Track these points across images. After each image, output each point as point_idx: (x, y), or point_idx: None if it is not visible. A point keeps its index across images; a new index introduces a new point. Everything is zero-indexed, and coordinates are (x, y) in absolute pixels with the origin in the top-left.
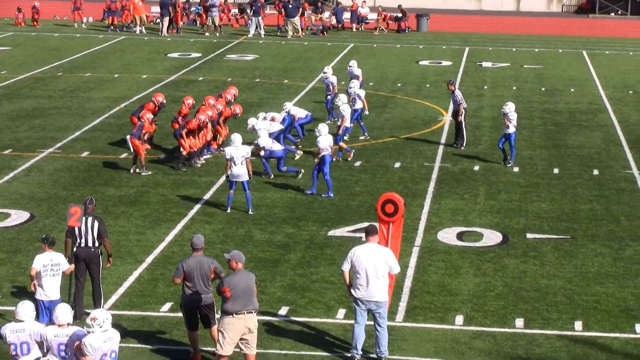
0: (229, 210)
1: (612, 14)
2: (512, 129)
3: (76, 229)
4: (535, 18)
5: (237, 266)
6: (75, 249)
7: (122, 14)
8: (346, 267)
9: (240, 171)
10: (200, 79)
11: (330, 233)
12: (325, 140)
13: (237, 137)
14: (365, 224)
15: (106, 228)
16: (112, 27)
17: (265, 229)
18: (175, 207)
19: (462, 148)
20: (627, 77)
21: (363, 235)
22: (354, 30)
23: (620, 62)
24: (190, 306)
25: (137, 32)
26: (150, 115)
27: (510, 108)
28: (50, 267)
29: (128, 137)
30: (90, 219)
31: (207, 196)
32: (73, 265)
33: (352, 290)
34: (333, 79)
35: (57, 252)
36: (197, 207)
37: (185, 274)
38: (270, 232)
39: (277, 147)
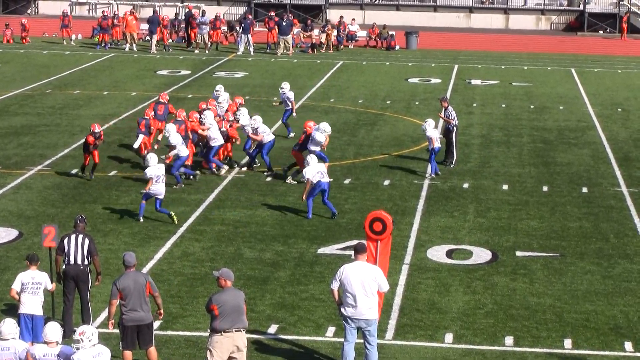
0: (141, 220)
1: (601, 32)
2: (436, 144)
3: (66, 246)
4: (524, 36)
5: (226, 284)
6: (64, 267)
7: (112, 31)
8: (335, 286)
9: (161, 189)
10: (190, 96)
11: (320, 251)
12: (311, 171)
13: (153, 157)
14: (354, 242)
15: (96, 246)
16: (101, 44)
17: (254, 246)
18: (165, 225)
19: (452, 166)
20: (616, 95)
21: (352, 253)
22: (345, 47)
23: (609, 79)
24: (127, 324)
25: (127, 49)
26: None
27: (429, 125)
28: (31, 285)
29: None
30: (80, 236)
31: (196, 214)
32: (54, 286)
33: (342, 309)
34: (290, 95)
35: (42, 270)
36: (186, 224)
37: (120, 293)
38: (260, 250)
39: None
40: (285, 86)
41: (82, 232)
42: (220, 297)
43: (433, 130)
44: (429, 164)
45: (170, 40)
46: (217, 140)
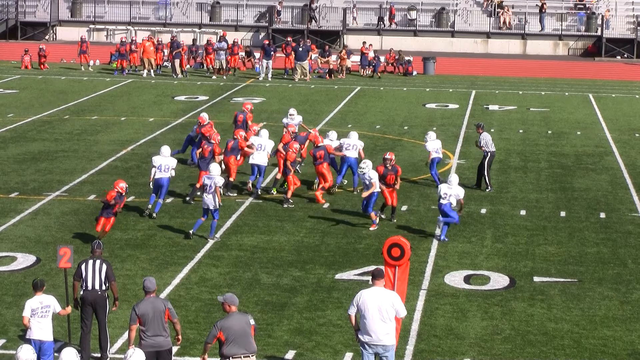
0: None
1: (618, 57)
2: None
3: (83, 271)
4: (541, 61)
5: (230, 309)
6: (82, 292)
7: (130, 57)
8: (352, 311)
9: (207, 201)
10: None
11: (338, 276)
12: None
13: (215, 167)
14: (372, 267)
15: (113, 271)
16: (119, 70)
17: (272, 272)
18: (182, 251)
19: (489, 190)
20: (633, 120)
21: (370, 278)
22: (363, 74)
23: (626, 105)
24: (146, 350)
25: (144, 75)
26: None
27: (430, 137)
28: (40, 310)
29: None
30: (98, 261)
31: (213, 240)
32: (69, 308)
33: (359, 334)
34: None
35: (48, 294)
36: (204, 250)
37: (139, 319)
38: (277, 276)
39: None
40: (294, 112)
41: (100, 257)
42: (226, 322)
43: (431, 143)
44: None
45: (188, 66)
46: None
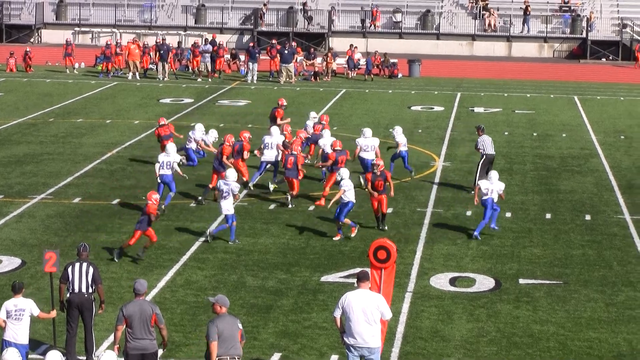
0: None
1: (603, 60)
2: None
3: (70, 274)
4: (527, 63)
5: (221, 310)
6: (68, 295)
7: (115, 60)
8: (338, 314)
9: (223, 206)
10: (193, 124)
11: (323, 279)
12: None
13: (232, 172)
14: (357, 270)
15: (100, 274)
16: (104, 73)
17: (257, 274)
18: (167, 253)
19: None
20: (618, 122)
21: (355, 281)
22: (349, 77)
23: (611, 107)
24: (132, 352)
25: (129, 77)
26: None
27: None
28: (14, 312)
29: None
30: (84, 264)
31: (199, 242)
32: (54, 312)
33: (345, 337)
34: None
35: (28, 297)
36: (190, 252)
37: (126, 320)
38: (263, 278)
39: None
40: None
41: (86, 260)
42: (220, 322)
43: (401, 136)
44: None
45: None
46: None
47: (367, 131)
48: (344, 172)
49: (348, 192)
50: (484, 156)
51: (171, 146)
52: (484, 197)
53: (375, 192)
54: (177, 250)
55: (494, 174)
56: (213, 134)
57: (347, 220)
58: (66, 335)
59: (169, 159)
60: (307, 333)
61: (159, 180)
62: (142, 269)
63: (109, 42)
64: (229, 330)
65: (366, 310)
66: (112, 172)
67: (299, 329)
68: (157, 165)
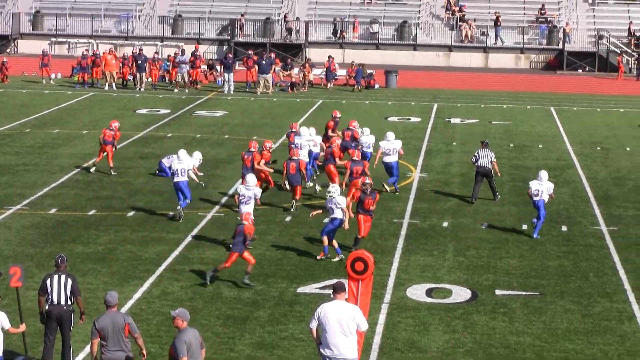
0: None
1: (580, 71)
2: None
3: (48, 286)
4: (503, 74)
5: (183, 324)
6: (47, 307)
7: (92, 71)
8: (314, 325)
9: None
10: (169, 135)
11: (300, 290)
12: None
13: (251, 177)
14: (334, 281)
15: (79, 286)
16: (81, 83)
17: (234, 285)
18: (144, 264)
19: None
20: (595, 134)
21: (331, 292)
22: (328, 87)
23: (588, 118)
24: None
25: (106, 88)
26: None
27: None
28: None
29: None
30: (63, 276)
31: (175, 253)
32: (23, 326)
33: (321, 348)
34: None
35: (2, 309)
36: (165, 264)
37: (99, 333)
38: (239, 289)
39: None
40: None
41: (64, 272)
42: (187, 337)
43: (368, 137)
44: None
45: (149, 79)
46: None
47: (390, 135)
48: (334, 189)
49: (336, 210)
50: (475, 167)
51: (183, 152)
52: (535, 199)
53: (364, 212)
54: (153, 261)
55: (543, 174)
56: (197, 157)
57: (334, 243)
58: (43, 346)
59: (183, 166)
60: (284, 344)
61: (175, 187)
62: (118, 280)
63: (85, 53)
64: (194, 343)
65: (342, 322)
66: (89, 183)
67: (276, 340)
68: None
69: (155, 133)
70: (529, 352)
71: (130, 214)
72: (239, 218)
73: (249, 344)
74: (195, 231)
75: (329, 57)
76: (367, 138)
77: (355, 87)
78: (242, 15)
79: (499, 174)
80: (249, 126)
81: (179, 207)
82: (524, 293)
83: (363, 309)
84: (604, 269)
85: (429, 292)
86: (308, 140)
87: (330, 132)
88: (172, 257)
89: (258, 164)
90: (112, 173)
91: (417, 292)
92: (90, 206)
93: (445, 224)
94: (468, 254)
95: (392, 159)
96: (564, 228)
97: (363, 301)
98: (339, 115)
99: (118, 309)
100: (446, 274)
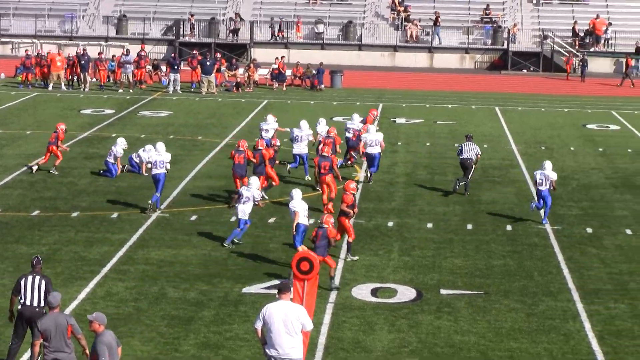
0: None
1: (524, 71)
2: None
3: (22, 287)
4: (448, 74)
5: (100, 328)
6: (19, 307)
7: (36, 71)
8: (259, 325)
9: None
10: (114, 135)
11: (245, 290)
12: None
13: (160, 145)
14: (279, 281)
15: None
16: (24, 84)
17: (178, 286)
18: (88, 265)
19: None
20: (539, 133)
21: (277, 292)
22: (279, 88)
23: (532, 118)
24: None
25: (50, 88)
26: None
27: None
28: None
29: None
30: (37, 278)
31: (120, 253)
32: None
33: (266, 348)
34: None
35: None
36: (110, 264)
37: (42, 334)
38: (184, 290)
39: None
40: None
41: (40, 273)
42: (106, 341)
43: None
44: None
45: (93, 79)
46: None
47: (372, 127)
48: (295, 193)
49: (300, 215)
50: (459, 160)
51: (161, 145)
52: (540, 188)
53: (346, 216)
54: (97, 262)
55: (547, 164)
56: (122, 143)
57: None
58: (10, 345)
59: (162, 158)
60: (229, 344)
61: (153, 179)
62: (62, 281)
63: (28, 53)
64: (114, 345)
65: (287, 322)
66: (33, 184)
67: (221, 340)
68: (148, 165)
69: (100, 133)
70: (473, 351)
71: (75, 214)
72: (236, 217)
73: (194, 344)
74: (140, 232)
75: (282, 57)
76: (371, 135)
77: (317, 86)
78: (192, 15)
79: (475, 165)
80: (194, 126)
81: (149, 202)
82: (468, 292)
83: (308, 309)
84: (548, 268)
85: (374, 292)
86: (307, 135)
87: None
88: (116, 258)
89: (269, 161)
90: (54, 172)
91: (362, 292)
92: (34, 207)
93: (390, 224)
94: (413, 254)
95: (374, 150)
96: (509, 227)
97: (309, 301)
98: (376, 113)
99: (62, 309)
100: (391, 273)
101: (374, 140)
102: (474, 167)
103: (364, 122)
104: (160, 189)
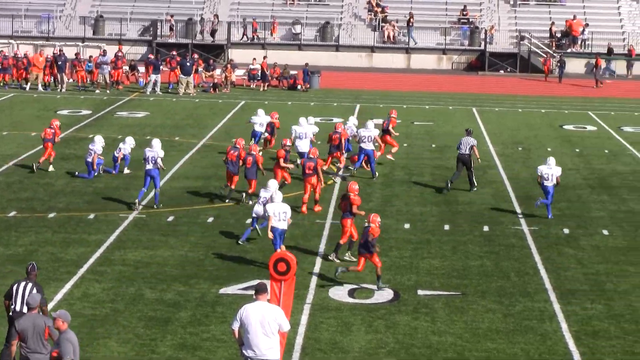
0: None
1: (501, 72)
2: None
3: (13, 292)
4: (425, 75)
5: (64, 326)
6: (11, 313)
7: (13, 71)
8: (236, 326)
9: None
10: (91, 136)
11: (222, 291)
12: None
13: (155, 141)
14: (256, 282)
15: (44, 294)
16: (1, 84)
17: (155, 287)
18: (65, 266)
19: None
20: (516, 134)
21: (254, 293)
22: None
23: (510, 119)
24: None
25: (27, 88)
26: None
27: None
28: None
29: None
30: (29, 284)
31: (97, 254)
32: None
33: (243, 349)
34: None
35: None
36: (87, 265)
37: (19, 335)
38: (161, 290)
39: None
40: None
41: (33, 280)
42: (71, 339)
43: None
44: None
45: (70, 80)
46: None
47: (370, 123)
48: (276, 196)
49: (274, 219)
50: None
51: (156, 141)
52: (545, 183)
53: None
54: (74, 263)
55: (551, 160)
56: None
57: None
58: (2, 349)
59: (153, 153)
60: (206, 345)
61: (146, 174)
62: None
63: (5, 54)
64: (78, 345)
65: (264, 323)
66: (9, 184)
67: (197, 341)
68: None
69: (77, 134)
70: (450, 352)
71: (51, 215)
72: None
73: (171, 345)
74: (116, 232)
75: (264, 57)
76: (367, 132)
77: (302, 86)
78: (172, 16)
79: (479, 159)
80: (171, 127)
81: (136, 200)
82: (445, 293)
83: (286, 309)
84: (525, 269)
85: (352, 293)
86: (312, 131)
87: (392, 129)
88: (93, 259)
89: (283, 161)
90: (37, 168)
91: (339, 293)
92: (10, 207)
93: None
94: (390, 254)
95: (368, 146)
96: (486, 228)
97: (286, 302)
98: (394, 115)
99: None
100: (369, 274)
101: (366, 136)
102: (472, 161)
103: (389, 124)
104: (157, 184)
